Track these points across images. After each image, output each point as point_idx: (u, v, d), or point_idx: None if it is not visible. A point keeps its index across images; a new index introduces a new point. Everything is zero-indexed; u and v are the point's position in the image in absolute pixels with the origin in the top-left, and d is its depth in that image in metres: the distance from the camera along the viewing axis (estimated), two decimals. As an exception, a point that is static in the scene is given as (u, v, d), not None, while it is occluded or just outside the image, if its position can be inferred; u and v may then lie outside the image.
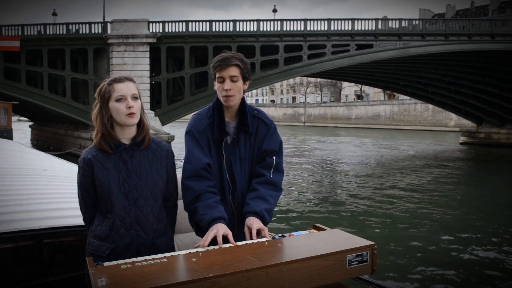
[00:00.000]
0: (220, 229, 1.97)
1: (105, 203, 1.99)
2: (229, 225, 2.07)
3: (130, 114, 1.98)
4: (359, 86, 76.02)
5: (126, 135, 2.03)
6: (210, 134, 2.23)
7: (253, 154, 2.29)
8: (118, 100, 1.97)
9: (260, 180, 2.24)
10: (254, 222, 2.07)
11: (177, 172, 2.25)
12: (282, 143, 2.37)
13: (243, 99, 2.27)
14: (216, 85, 2.20)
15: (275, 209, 2.41)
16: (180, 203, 2.68)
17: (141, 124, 2.06)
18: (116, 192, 1.97)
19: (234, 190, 2.26)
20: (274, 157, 2.27)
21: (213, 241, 1.97)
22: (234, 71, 2.16)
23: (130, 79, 2.04)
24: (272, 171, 2.26)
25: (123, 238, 1.98)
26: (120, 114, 1.97)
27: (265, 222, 2.12)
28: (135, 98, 2.00)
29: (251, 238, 2.01)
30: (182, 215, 2.62)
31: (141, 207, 2.01)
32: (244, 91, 2.27)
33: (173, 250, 2.16)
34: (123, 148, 2.01)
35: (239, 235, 2.19)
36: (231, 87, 2.16)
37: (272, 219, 2.25)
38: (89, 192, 2.02)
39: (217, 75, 2.18)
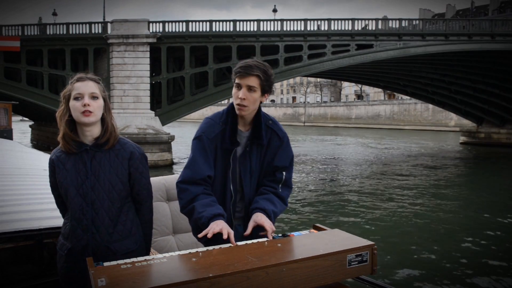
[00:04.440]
0: (224, 227, 1.95)
1: (67, 203, 2.02)
2: None
3: (85, 112, 1.94)
4: (359, 86, 75.98)
5: (88, 136, 2.00)
6: (220, 143, 2.17)
7: (262, 166, 2.26)
8: (75, 98, 1.95)
9: (269, 190, 2.24)
10: (262, 219, 2.08)
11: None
12: (294, 157, 2.34)
13: (259, 109, 2.21)
14: (233, 91, 2.15)
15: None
16: (176, 204, 2.68)
17: (105, 125, 2.03)
18: (73, 193, 1.96)
19: (236, 200, 2.24)
20: (284, 173, 2.26)
21: (213, 241, 1.97)
22: (253, 81, 2.10)
23: (92, 79, 2.01)
24: (280, 186, 2.25)
25: (80, 239, 1.98)
26: (75, 112, 1.95)
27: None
28: (94, 97, 1.97)
29: (257, 233, 2.03)
30: (182, 215, 2.62)
31: (96, 209, 1.99)
32: (261, 103, 2.21)
33: (133, 255, 1.95)
34: (84, 149, 1.99)
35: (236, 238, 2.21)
36: (245, 97, 2.10)
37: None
38: (58, 191, 2.06)
39: (235, 81, 2.13)
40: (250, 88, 2.10)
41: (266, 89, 2.15)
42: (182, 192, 2.12)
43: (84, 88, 1.96)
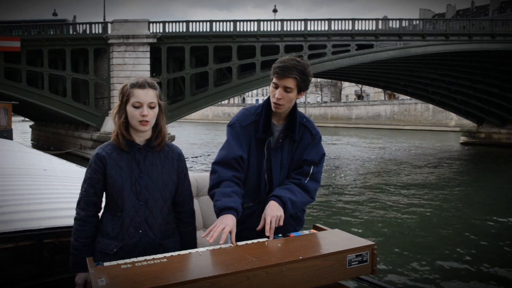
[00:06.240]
0: (228, 225, 1.95)
1: (115, 201, 2.02)
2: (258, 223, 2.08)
3: (142, 122, 2.01)
4: (360, 86, 75.94)
5: (140, 137, 2.08)
6: (254, 132, 2.25)
7: (292, 161, 2.30)
8: (134, 106, 2.01)
9: (293, 181, 2.25)
10: (269, 209, 2.08)
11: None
12: (325, 155, 2.36)
13: (295, 105, 2.28)
14: (270, 88, 2.23)
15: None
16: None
17: (157, 129, 2.10)
18: (128, 191, 2.00)
19: (270, 191, 2.27)
20: (312, 166, 2.27)
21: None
22: (290, 82, 2.16)
23: (152, 86, 2.06)
24: (307, 178, 2.25)
25: (132, 237, 2.01)
26: (133, 120, 2.02)
27: (286, 211, 2.11)
28: (151, 107, 2.03)
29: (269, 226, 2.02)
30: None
31: (150, 208, 2.04)
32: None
33: None
34: (137, 148, 2.05)
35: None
36: (282, 97, 2.18)
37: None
38: (96, 188, 2.04)
39: (273, 80, 2.20)
40: (286, 89, 2.17)
41: (302, 87, 2.21)
42: (212, 174, 2.20)
43: (144, 97, 2.01)
